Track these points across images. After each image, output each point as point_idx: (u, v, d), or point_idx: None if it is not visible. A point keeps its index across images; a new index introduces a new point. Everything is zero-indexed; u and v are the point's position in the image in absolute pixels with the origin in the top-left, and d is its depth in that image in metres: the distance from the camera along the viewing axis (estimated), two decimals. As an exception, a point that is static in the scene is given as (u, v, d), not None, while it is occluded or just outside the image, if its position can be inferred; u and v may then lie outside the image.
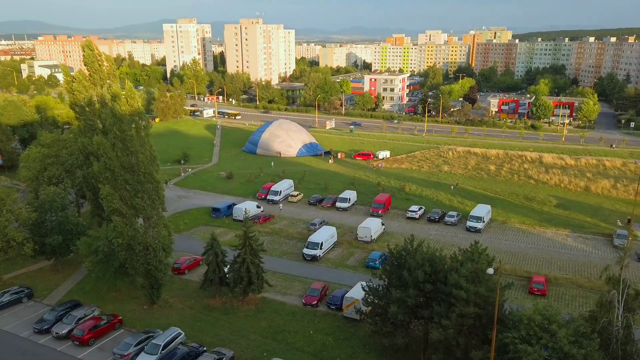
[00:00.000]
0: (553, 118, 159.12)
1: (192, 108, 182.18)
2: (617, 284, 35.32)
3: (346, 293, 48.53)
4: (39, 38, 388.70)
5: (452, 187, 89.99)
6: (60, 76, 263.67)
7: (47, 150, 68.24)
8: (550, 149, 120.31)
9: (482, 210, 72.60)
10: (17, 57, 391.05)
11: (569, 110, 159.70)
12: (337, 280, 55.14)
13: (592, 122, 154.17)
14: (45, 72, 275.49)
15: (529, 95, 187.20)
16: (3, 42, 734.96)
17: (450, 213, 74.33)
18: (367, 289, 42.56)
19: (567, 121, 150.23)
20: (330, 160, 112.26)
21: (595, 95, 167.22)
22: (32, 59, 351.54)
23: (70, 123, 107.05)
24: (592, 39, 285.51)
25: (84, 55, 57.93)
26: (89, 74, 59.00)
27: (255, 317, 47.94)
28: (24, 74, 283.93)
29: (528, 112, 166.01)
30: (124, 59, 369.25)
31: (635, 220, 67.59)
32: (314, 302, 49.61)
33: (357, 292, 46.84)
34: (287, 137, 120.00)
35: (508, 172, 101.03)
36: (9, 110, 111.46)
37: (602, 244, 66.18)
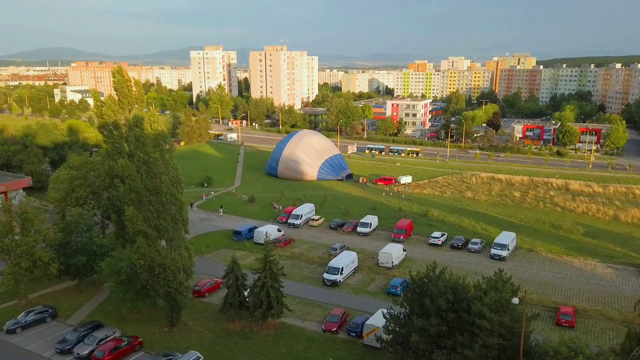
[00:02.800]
0: (579, 145, 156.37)
1: (220, 132, 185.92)
2: (649, 317, 33.90)
3: (367, 320, 47.73)
4: (72, 64, 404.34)
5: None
6: (90, 101, 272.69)
7: (76, 173, 70.03)
8: (577, 176, 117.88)
9: (507, 237, 71.11)
10: (50, 83, 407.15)
11: (596, 137, 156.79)
12: (358, 306, 54.32)
13: (621, 149, 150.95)
14: (77, 97, 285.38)
15: (554, 122, 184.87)
16: (37, 68, 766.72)
17: (474, 240, 73.01)
18: (388, 317, 41.79)
19: (594, 148, 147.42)
20: (365, 183, 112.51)
21: (624, 122, 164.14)
22: (65, 84, 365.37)
23: (99, 146, 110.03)
24: (618, 65, 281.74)
25: (114, 80, 59.90)
26: (118, 99, 60.85)
27: (274, 342, 47.45)
28: (57, 99, 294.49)
29: (553, 138, 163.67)
30: (152, 85, 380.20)
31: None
32: (333, 329, 48.89)
33: (378, 320, 46.03)
34: (306, 157, 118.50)
35: (533, 199, 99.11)
36: (41, 133, 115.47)
37: (633, 274, 63.80)
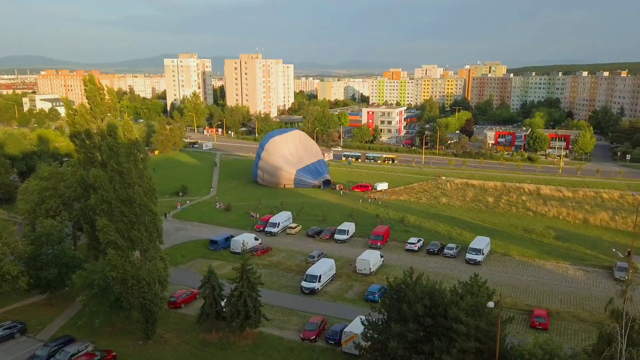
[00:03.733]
0: (549, 150, 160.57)
1: (195, 140, 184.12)
2: (620, 317, 34.83)
3: (345, 327, 47.71)
4: (42, 72, 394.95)
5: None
6: (61, 109, 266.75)
7: (45, 183, 68.25)
8: (548, 181, 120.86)
9: (482, 242, 72.26)
10: (19, 91, 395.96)
11: (565, 143, 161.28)
12: (336, 314, 54.27)
13: (589, 154, 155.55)
14: (47, 106, 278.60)
15: (524, 128, 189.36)
16: (5, 76, 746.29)
17: (450, 245, 73.93)
18: (366, 323, 41.87)
19: (563, 153, 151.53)
20: (345, 191, 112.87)
21: (591, 128, 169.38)
22: (34, 92, 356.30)
23: (69, 155, 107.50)
24: (585, 73, 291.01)
25: (85, 89, 58.87)
26: (90, 107, 59.75)
27: (252, 352, 46.94)
28: (25, 108, 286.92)
29: (524, 144, 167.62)
30: (125, 93, 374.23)
31: (635, 252, 67.21)
32: (312, 337, 48.70)
33: (356, 327, 46.05)
34: (283, 164, 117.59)
35: (506, 203, 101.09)
36: (8, 143, 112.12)
37: (603, 276, 65.61)
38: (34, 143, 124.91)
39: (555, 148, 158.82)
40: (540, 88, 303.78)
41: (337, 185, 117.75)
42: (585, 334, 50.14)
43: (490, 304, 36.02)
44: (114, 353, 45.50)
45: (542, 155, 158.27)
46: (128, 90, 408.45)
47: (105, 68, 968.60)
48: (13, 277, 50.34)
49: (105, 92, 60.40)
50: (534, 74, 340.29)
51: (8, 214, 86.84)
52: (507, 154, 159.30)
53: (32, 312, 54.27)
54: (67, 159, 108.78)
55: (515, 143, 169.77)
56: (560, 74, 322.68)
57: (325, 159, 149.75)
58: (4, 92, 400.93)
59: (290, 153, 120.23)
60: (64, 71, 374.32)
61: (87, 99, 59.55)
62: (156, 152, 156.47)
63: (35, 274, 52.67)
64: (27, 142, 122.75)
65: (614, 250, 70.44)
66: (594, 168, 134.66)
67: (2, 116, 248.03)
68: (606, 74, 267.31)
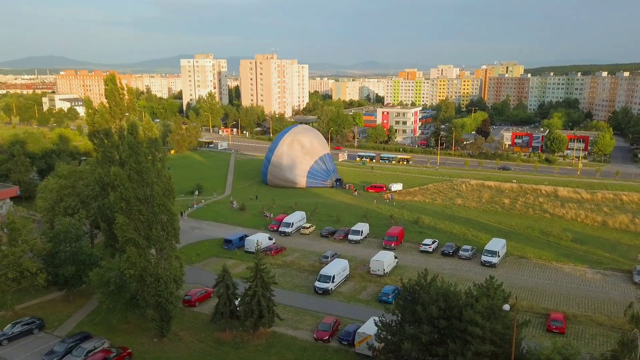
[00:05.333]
0: (567, 152, 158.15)
1: (211, 140, 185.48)
2: (639, 322, 34.13)
3: (358, 328, 47.58)
4: (61, 73, 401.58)
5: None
6: (79, 109, 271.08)
7: (64, 182, 69.33)
8: (566, 182, 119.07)
9: (497, 244, 71.47)
10: (38, 91, 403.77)
11: (583, 144, 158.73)
12: (349, 314, 54.16)
13: (608, 156, 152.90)
14: (66, 106, 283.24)
15: (542, 129, 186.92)
16: (26, 76, 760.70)
17: (465, 247, 73.26)
18: (380, 325, 41.68)
19: (581, 155, 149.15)
20: (355, 192, 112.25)
21: (611, 129, 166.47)
22: (53, 92, 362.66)
23: (88, 154, 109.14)
24: (604, 74, 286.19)
25: (106, 88, 59.53)
26: (110, 107, 60.45)
27: (265, 352, 47.08)
28: (45, 107, 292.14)
29: (542, 145, 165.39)
30: (142, 93, 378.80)
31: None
32: (325, 337, 48.66)
33: (369, 328, 45.89)
34: (293, 165, 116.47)
35: (523, 205, 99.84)
36: (28, 142, 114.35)
37: (622, 280, 64.37)
38: (54, 142, 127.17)
39: (573, 149, 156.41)
40: (558, 88, 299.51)
41: (348, 185, 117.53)
42: (603, 338, 49.26)
43: (506, 307, 35.60)
44: (130, 350, 46.02)
45: (560, 156, 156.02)
46: (145, 90, 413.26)
47: (122, 68, 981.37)
48: (32, 273, 51.18)
49: (124, 91, 61.06)
50: (552, 74, 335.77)
51: (27, 211, 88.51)
52: (524, 155, 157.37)
53: (50, 309, 55.18)
54: (85, 157, 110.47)
55: (533, 144, 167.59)
56: (579, 74, 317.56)
57: (340, 159, 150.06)
58: (25, 92, 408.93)
59: (299, 153, 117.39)
60: (83, 71, 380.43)
61: (106, 98, 60.24)
62: (172, 152, 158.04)
63: (53, 271, 53.51)
64: (46, 141, 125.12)
65: (639, 256, 69.30)
66: (613, 170, 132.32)
67: (22, 115, 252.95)
68: (626, 74, 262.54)
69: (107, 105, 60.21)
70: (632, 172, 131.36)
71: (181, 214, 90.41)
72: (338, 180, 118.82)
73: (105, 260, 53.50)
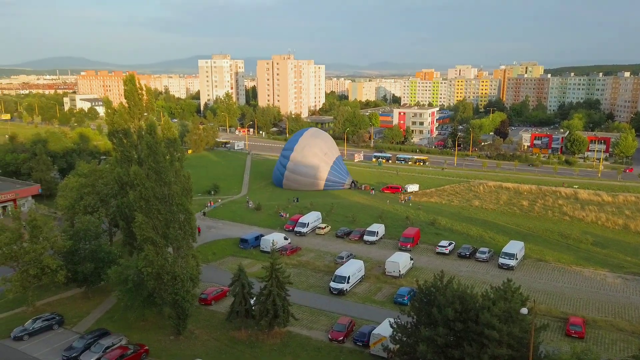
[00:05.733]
0: (588, 153, 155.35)
1: (228, 140, 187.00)
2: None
3: (373, 329, 47.43)
4: (82, 73, 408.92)
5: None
6: (99, 109, 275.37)
7: (84, 180, 70.49)
8: (586, 184, 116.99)
9: (515, 246, 70.52)
10: (60, 91, 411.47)
11: (604, 146, 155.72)
12: (364, 315, 54.03)
13: (630, 158, 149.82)
14: (86, 105, 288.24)
15: (562, 130, 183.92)
16: (48, 76, 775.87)
17: (482, 249, 72.48)
18: (395, 326, 41.49)
19: (602, 157, 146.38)
20: (371, 192, 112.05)
21: (633, 131, 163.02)
22: (74, 92, 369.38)
23: (108, 154, 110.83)
24: (627, 74, 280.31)
25: (125, 89, 60.35)
26: (129, 107, 61.28)
27: (280, 351, 47.23)
28: (66, 107, 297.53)
29: (562, 147, 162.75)
30: (160, 93, 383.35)
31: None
32: (340, 338, 48.61)
33: (384, 329, 45.73)
34: (311, 170, 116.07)
35: (542, 207, 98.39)
36: (50, 141, 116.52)
37: (644, 285, 63.00)
38: (74, 141, 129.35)
39: (594, 151, 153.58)
40: (579, 89, 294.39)
41: (364, 186, 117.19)
42: (624, 344, 48.26)
43: (524, 310, 35.11)
44: (147, 347, 46.58)
45: (580, 158, 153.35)
46: (163, 91, 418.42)
47: (142, 69, 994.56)
48: (52, 270, 52.11)
49: (143, 92, 61.81)
50: (572, 74, 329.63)
51: (48, 209, 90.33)
52: (544, 157, 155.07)
53: (69, 305, 56.19)
54: (105, 157, 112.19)
55: (552, 145, 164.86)
56: (600, 74, 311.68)
57: (356, 160, 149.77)
58: (46, 92, 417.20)
59: (315, 158, 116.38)
60: (103, 72, 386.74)
61: (125, 98, 61.09)
62: (189, 152, 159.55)
63: (73, 268, 54.43)
64: (67, 141, 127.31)
65: None
66: (635, 172, 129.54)
67: (44, 115, 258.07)
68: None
69: (126, 105, 61.05)
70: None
71: (204, 213, 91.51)
72: (353, 182, 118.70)
73: (124, 258, 54.33)
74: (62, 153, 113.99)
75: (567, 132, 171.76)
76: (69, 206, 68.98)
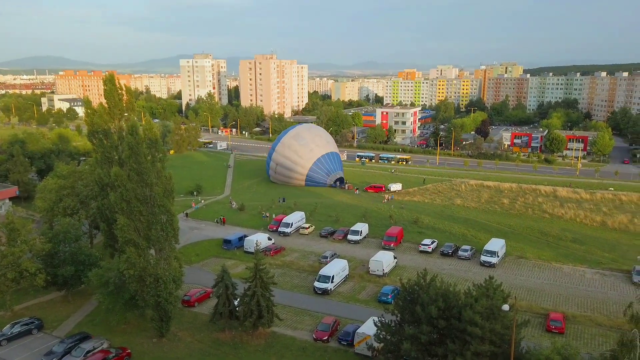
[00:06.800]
0: (567, 152, 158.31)
1: (210, 140, 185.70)
2: (639, 322, 34.18)
3: (358, 328, 47.60)
4: (60, 73, 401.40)
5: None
6: (78, 109, 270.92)
7: (63, 182, 69.27)
8: (565, 182, 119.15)
9: (497, 244, 71.47)
10: (38, 91, 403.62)
11: (582, 144, 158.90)
12: (349, 314, 54.16)
13: (607, 156, 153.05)
14: (65, 106, 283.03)
15: (541, 129, 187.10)
16: (25, 76, 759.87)
17: (464, 247, 73.28)
18: (379, 325, 41.69)
19: (581, 155, 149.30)
20: (355, 192, 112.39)
21: (610, 130, 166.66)
22: (53, 92, 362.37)
23: (88, 155, 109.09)
24: (604, 74, 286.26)
25: (105, 89, 59.43)
26: (109, 107, 60.34)
27: (264, 352, 47.08)
28: (44, 107, 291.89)
29: (541, 145, 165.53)
30: (141, 93, 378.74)
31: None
32: (324, 338, 48.66)
33: (369, 328, 45.92)
34: (294, 164, 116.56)
35: (522, 205, 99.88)
36: (27, 142, 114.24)
37: (621, 280, 64.39)
38: (53, 142, 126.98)
39: (572, 149, 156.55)
40: (557, 89, 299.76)
41: (347, 185, 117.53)
42: (603, 338, 49.27)
43: (506, 307, 35.62)
44: (129, 350, 46.00)
45: (559, 156, 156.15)
46: (144, 90, 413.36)
47: (121, 68, 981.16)
48: (31, 274, 51.13)
49: (123, 92, 60.95)
50: (551, 74, 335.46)
51: (26, 211, 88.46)
52: (524, 155, 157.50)
53: (49, 309, 55.15)
54: (84, 158, 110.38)
55: (532, 144, 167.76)
56: (578, 74, 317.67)
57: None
58: (24, 92, 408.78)
59: (298, 152, 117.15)
60: (82, 72, 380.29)
61: (105, 98, 60.14)
62: (171, 152, 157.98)
63: (52, 271, 53.45)
64: (45, 141, 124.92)
65: (639, 257, 69.31)
66: (612, 170, 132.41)
67: (21, 116, 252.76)
68: (625, 74, 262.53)
69: (106, 105, 60.13)
70: (631, 172, 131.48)
71: (186, 215, 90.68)
72: (339, 179, 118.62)
73: (105, 261, 53.48)
74: (40, 154, 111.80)
75: (546, 131, 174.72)
76: (47, 208, 67.78)
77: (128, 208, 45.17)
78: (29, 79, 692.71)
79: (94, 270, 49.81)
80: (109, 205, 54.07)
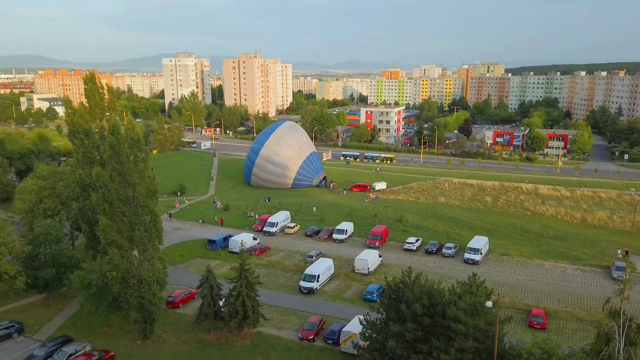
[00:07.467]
0: (547, 150, 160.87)
1: (194, 140, 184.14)
2: (617, 316, 34.90)
3: (343, 327, 47.72)
4: (39, 72, 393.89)
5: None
6: (58, 109, 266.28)
7: (43, 183, 68.06)
8: (546, 180, 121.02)
9: (480, 242, 72.30)
10: (16, 90, 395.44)
11: (563, 143, 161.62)
12: (334, 313, 54.28)
13: (587, 154, 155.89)
14: (44, 105, 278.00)
15: (523, 128, 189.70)
16: (3, 75, 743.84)
17: (448, 245, 73.98)
18: (365, 323, 41.88)
19: (561, 153, 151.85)
20: (342, 192, 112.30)
21: (589, 128, 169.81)
22: (32, 92, 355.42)
23: (69, 155, 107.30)
24: (583, 73, 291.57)
25: (85, 88, 58.43)
26: (90, 107, 59.37)
27: (250, 352, 46.92)
28: (23, 107, 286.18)
29: (523, 144, 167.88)
30: (123, 92, 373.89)
31: (633, 251, 67.36)
32: (310, 337, 48.69)
33: (354, 326, 46.08)
34: (283, 164, 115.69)
35: (504, 203, 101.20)
36: (6, 142, 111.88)
37: (601, 275, 65.71)
38: (33, 142, 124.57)
39: (553, 148, 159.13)
40: (538, 88, 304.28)
41: (332, 185, 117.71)
42: (583, 333, 50.23)
43: (489, 304, 36.06)
44: (112, 353, 45.45)
45: (540, 155, 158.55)
46: (126, 90, 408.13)
47: (103, 67, 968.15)
48: (11, 277, 50.21)
49: (105, 91, 60.03)
50: (532, 73, 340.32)
51: (5, 213, 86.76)
52: (506, 154, 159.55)
53: (29, 312, 54.15)
54: (65, 158, 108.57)
55: (514, 143, 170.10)
56: (558, 73, 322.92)
57: (324, 159, 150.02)
58: (2, 91, 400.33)
59: (285, 156, 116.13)
60: (62, 71, 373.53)
61: (86, 98, 59.12)
62: (154, 152, 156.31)
63: (33, 273, 52.54)
64: (25, 142, 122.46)
65: (619, 252, 70.71)
66: (592, 167, 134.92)
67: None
68: (604, 73, 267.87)
69: (87, 105, 59.15)
70: (610, 169, 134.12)
71: (170, 215, 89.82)
72: (324, 179, 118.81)
73: (87, 263, 52.69)
74: (19, 154, 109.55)
75: (528, 129, 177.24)
76: (27, 210, 66.58)
77: (110, 209, 44.59)
78: (7, 78, 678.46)
79: (75, 273, 49.06)
80: (91, 206, 53.28)
